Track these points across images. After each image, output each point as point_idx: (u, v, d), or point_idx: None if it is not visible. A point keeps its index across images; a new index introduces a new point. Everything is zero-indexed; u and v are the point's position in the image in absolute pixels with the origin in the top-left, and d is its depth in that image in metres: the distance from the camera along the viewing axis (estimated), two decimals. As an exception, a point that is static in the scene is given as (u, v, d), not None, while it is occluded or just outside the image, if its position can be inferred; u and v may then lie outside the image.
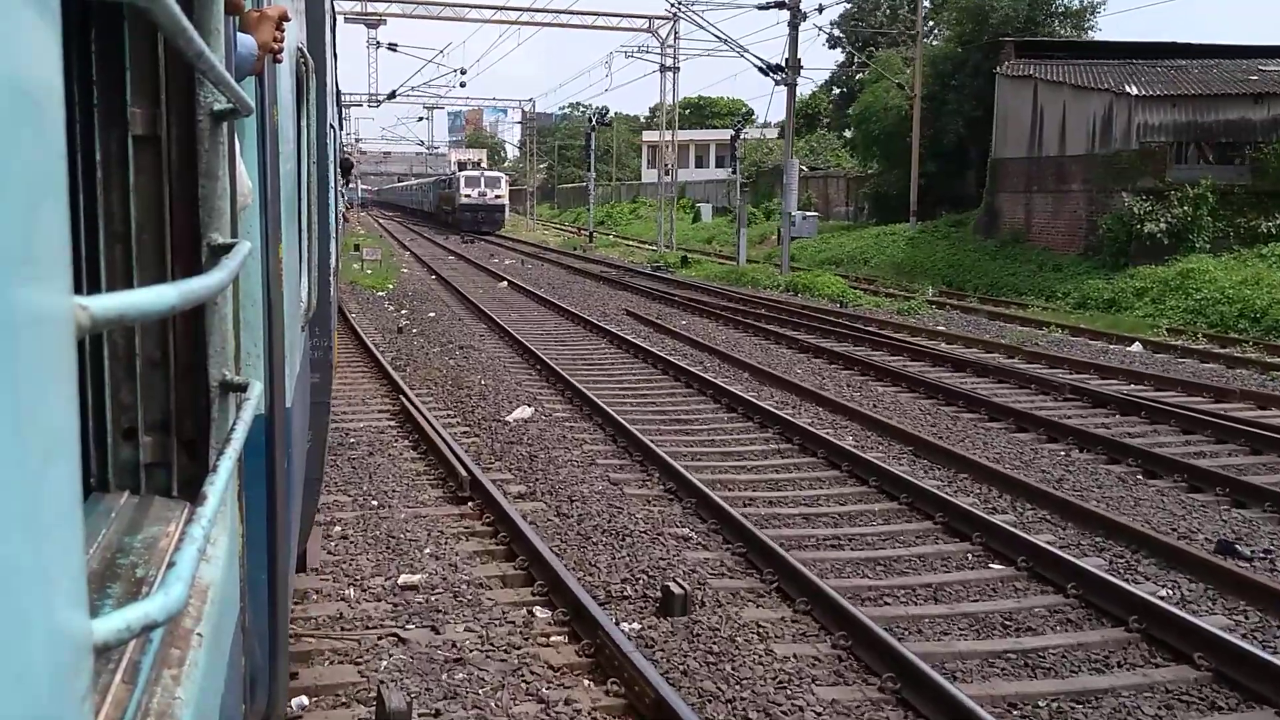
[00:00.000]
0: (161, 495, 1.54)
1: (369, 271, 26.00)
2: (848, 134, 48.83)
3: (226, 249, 1.40)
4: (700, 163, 63.71)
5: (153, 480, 1.55)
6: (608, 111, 48.27)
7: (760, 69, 26.63)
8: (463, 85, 48.86)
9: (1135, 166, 22.07)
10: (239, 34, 1.78)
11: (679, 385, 11.27)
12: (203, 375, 1.51)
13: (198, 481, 1.42)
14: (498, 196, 49.22)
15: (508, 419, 9.33)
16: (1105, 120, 23.18)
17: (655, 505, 6.88)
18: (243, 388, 1.51)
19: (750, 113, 42.93)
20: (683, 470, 7.22)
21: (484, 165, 65.59)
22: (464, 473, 6.95)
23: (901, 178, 32.47)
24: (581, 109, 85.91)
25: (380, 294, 21.31)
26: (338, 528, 6.24)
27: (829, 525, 6.62)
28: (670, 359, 12.46)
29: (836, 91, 53.39)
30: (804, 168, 45.23)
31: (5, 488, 0.55)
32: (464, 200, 48.14)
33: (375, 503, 6.77)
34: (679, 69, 36.68)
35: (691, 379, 11.29)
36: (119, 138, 1.47)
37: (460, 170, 55.00)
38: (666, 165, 38.69)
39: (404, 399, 9.74)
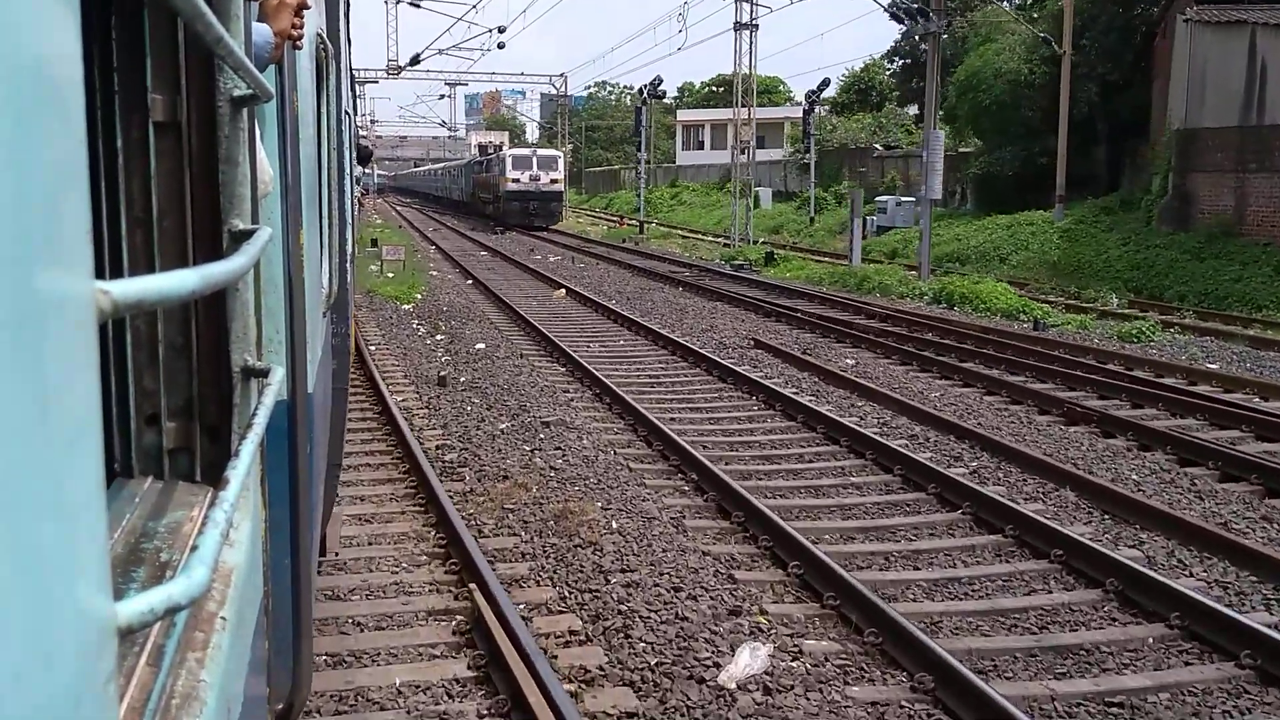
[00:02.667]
0: (185, 480, 1.90)
1: (390, 275, 25.30)
2: (912, 110, 51.57)
3: (247, 235, 1.75)
4: (739, 143, 69.14)
5: (176, 465, 1.91)
6: (661, 82, 47.11)
7: (892, 13, 26.41)
8: (501, 47, 48.92)
9: None
10: (255, 23, 2.18)
11: (960, 520, 7.90)
12: (225, 361, 1.87)
13: (220, 466, 1.73)
14: (554, 181, 47.54)
15: (722, 682, 5.38)
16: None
17: None
18: (265, 373, 1.87)
19: (825, 82, 44.67)
20: None
21: (508, 146, 66.12)
22: None
23: (1017, 156, 32.92)
24: (609, 88, 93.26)
25: (405, 307, 20.34)
26: None
27: None
28: (899, 450, 9.40)
29: (899, 63, 56.55)
30: (878, 146, 46.97)
31: (29, 473, 0.67)
32: (511, 186, 46.59)
33: None
34: (757, 27, 36.82)
35: (982, 507, 7.96)
36: (140, 124, 1.84)
37: (501, 149, 52.87)
38: (743, 143, 38.67)
39: (475, 592, 6.07)
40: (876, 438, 10.16)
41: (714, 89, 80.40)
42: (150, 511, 1.73)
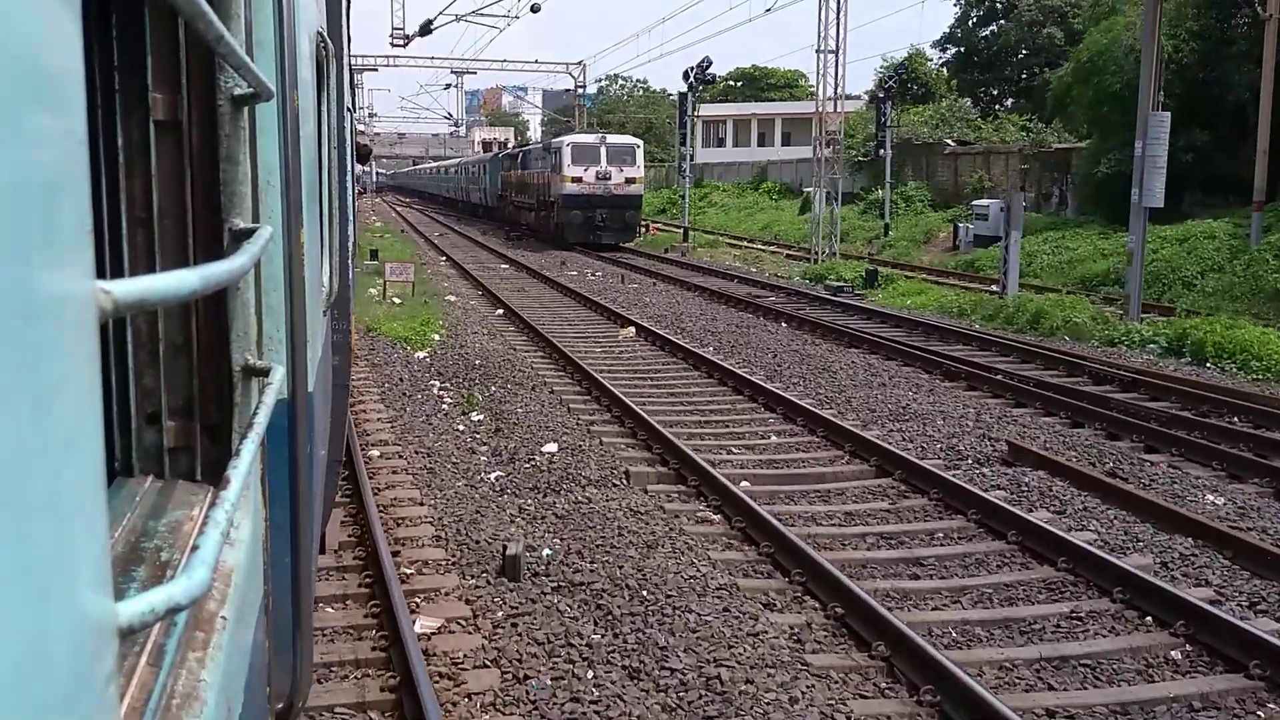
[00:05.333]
0: (185, 479, 2.10)
1: (396, 301, 22.50)
2: (967, 101, 51.34)
3: (248, 233, 1.92)
4: (763, 140, 71.84)
5: (176, 465, 2.11)
6: (710, 64, 43.15)
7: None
8: (535, 10, 44.37)
9: None
10: None
11: None
12: (225, 360, 2.07)
13: (221, 466, 1.92)
14: (630, 181, 39.93)
15: None
16: None
17: None
18: (265, 372, 2.07)
19: (901, 65, 44.68)
20: None
21: (511, 145, 62.19)
22: None
23: None
24: (621, 81, 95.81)
25: (420, 355, 16.90)
26: None
27: None
28: None
29: (952, 51, 57.71)
30: (949, 141, 45.14)
31: (30, 473, 0.74)
32: (570, 188, 38.87)
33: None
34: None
35: None
36: (140, 123, 2.03)
37: (553, 138, 45.47)
38: (829, 135, 35.13)
39: None
40: None
41: (733, 82, 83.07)
42: (150, 511, 1.92)
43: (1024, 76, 54.37)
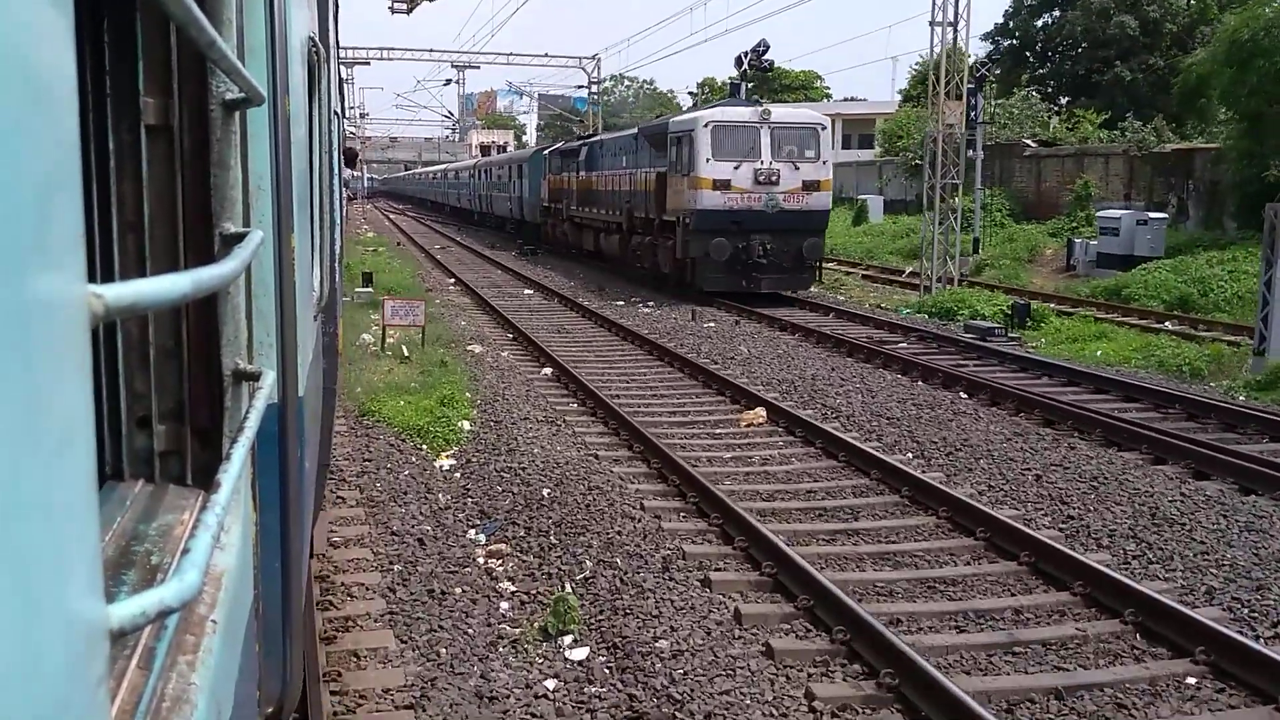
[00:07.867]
0: (176, 483, 2.12)
1: (407, 355, 16.44)
2: (1030, 93, 46.77)
3: (239, 238, 1.95)
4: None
5: (167, 468, 2.14)
6: (766, 49, 33.89)
7: None
8: None
9: None
10: None
11: None
12: (216, 364, 2.10)
13: (212, 469, 1.95)
14: (812, 188, 24.72)
15: None
16: None
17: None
18: (256, 376, 2.11)
19: (996, 52, 43.60)
20: None
21: (511, 148, 59.16)
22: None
23: None
24: (627, 83, 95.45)
25: (444, 467, 11.14)
26: None
27: None
28: None
29: (1006, 44, 54.17)
30: (1029, 142, 40.47)
31: (22, 476, 0.75)
32: (710, 201, 24.12)
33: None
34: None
35: None
36: (131, 127, 2.06)
37: (671, 116, 31.83)
38: (947, 128, 27.69)
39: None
40: None
41: (747, 83, 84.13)
42: (141, 514, 1.94)
43: (1084, 71, 50.27)
